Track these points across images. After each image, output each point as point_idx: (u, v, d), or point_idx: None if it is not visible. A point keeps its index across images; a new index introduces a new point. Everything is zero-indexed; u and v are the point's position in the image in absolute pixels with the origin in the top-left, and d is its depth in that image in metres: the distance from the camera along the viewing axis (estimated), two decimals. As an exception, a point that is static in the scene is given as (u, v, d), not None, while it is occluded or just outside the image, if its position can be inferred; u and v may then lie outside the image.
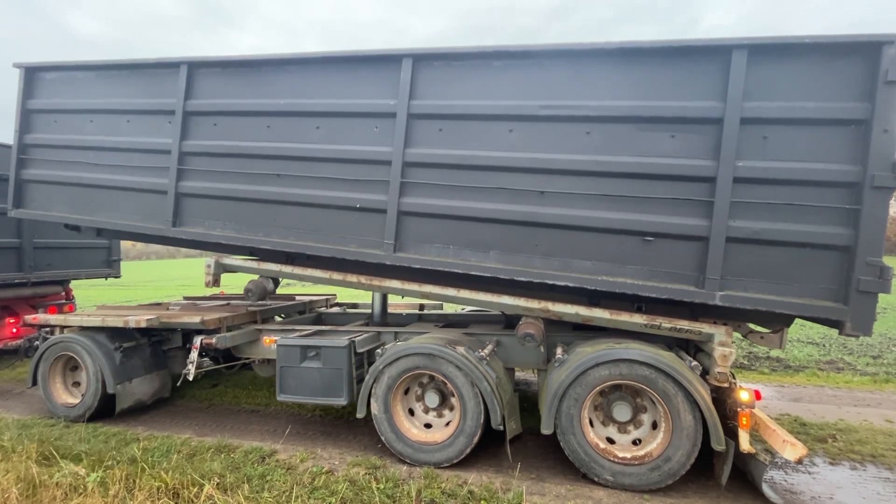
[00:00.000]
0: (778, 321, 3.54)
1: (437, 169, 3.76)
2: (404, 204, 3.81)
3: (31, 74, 4.95)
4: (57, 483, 3.28)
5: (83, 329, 5.05)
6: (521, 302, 3.76)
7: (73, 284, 8.26)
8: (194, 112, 4.40)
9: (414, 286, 4.02)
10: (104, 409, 4.87)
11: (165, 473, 3.41)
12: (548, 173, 3.50)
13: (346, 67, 3.98)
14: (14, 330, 7.31)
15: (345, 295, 7.70)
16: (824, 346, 7.78)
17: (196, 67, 4.39)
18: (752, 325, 3.71)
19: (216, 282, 4.66)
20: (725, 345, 3.29)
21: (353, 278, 4.21)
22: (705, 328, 3.39)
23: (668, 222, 3.29)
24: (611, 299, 3.67)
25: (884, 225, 2.93)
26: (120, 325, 4.79)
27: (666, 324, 3.46)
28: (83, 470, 3.52)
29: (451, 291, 3.93)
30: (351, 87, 3.96)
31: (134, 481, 3.32)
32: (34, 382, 5.03)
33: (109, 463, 3.69)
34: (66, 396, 5.05)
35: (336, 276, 4.26)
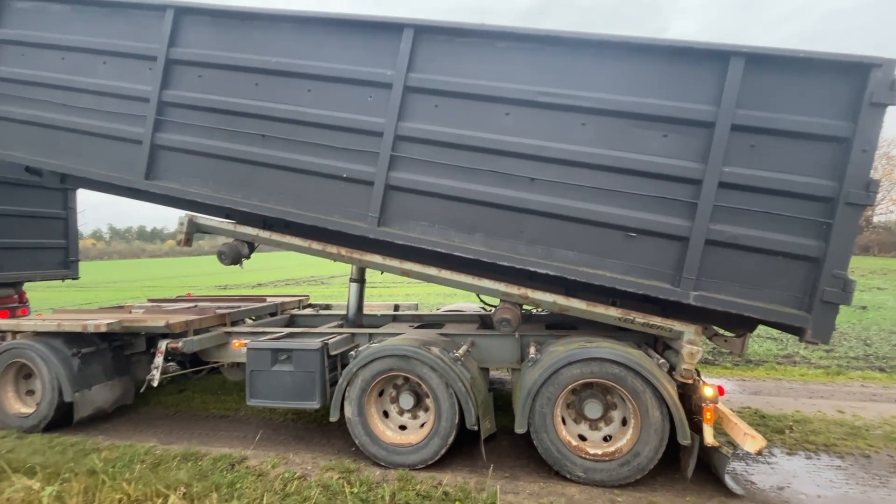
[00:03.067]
0: (743, 326, 3.67)
1: (429, 145, 3.69)
2: (392, 178, 3.73)
3: (0, 2, 4.55)
4: (8, 499, 3.10)
5: (37, 334, 4.78)
6: (502, 287, 3.76)
7: (27, 287, 7.82)
8: (178, 61, 4.16)
9: (395, 262, 3.96)
10: (61, 419, 4.63)
11: (128, 484, 3.28)
12: (540, 160, 3.49)
13: (345, 31, 3.84)
14: (-40, 336, 6.86)
15: (318, 296, 7.59)
16: (782, 340, 8.16)
17: (183, 13, 4.14)
18: (716, 329, 3.85)
19: (188, 241, 4.45)
20: (693, 343, 3.40)
21: (332, 249, 4.11)
22: (676, 325, 3.49)
23: (651, 220, 3.35)
24: (587, 292, 3.72)
25: (852, 240, 3.07)
26: (78, 329, 4.56)
27: (640, 319, 3.53)
28: (38, 484, 3.34)
29: (432, 271, 3.89)
30: (348, 53, 3.82)
31: (94, 494, 3.17)
32: (-17, 392, 4.73)
33: (67, 475, 3.51)
34: (18, 406, 4.77)
35: (315, 245, 4.14)
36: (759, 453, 3.21)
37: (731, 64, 3.15)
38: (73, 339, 4.73)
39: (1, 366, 4.70)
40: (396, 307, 5.99)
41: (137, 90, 4.23)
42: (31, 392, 4.83)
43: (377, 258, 4.01)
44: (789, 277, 3.20)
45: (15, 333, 4.92)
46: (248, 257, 4.54)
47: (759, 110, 3.16)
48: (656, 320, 3.51)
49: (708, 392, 3.31)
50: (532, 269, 3.53)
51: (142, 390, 4.79)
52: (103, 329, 4.50)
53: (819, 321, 3.12)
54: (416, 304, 6.29)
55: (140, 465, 3.74)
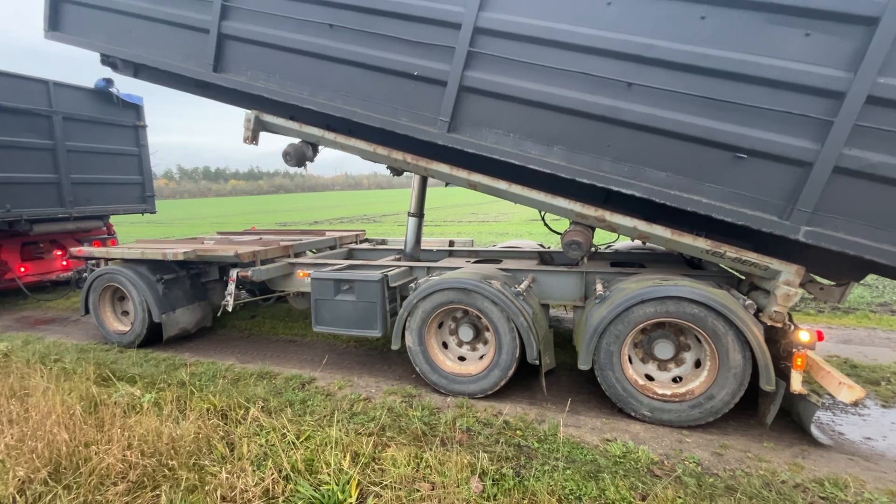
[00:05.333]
0: (849, 273, 3.17)
1: (512, 41, 3.27)
2: (468, 77, 3.40)
3: None
4: (115, 402, 3.49)
5: (126, 261, 5.21)
6: (577, 207, 3.46)
7: (112, 221, 8.52)
8: None
9: (462, 173, 3.74)
10: (152, 337, 5.13)
11: (213, 396, 3.59)
12: (641, 63, 3.01)
13: None
14: (64, 262, 7.69)
15: (371, 232, 7.67)
16: (877, 287, 7.34)
17: None
18: (812, 274, 3.37)
19: (254, 138, 4.44)
20: (791, 284, 3.02)
21: (398, 155, 3.95)
22: (774, 264, 3.08)
23: (769, 140, 2.84)
24: (667, 221, 3.36)
25: None
26: (159, 257, 4.91)
27: (731, 253, 3.14)
28: (138, 391, 3.75)
29: (501, 185, 3.63)
30: None
31: (185, 402, 3.50)
32: (86, 311, 5.31)
33: (161, 385, 3.92)
34: (117, 324, 5.33)
35: (381, 150, 3.98)
36: (855, 404, 2.91)
37: None
38: (156, 266, 5.11)
39: (99, 288, 5.21)
40: (451, 243, 5.91)
41: None
42: (125, 313, 5.35)
43: (444, 167, 3.79)
44: None
45: (107, 260, 5.40)
46: (311, 160, 4.47)
47: None
48: (751, 256, 3.11)
49: (804, 337, 2.99)
50: (615, 188, 3.16)
51: (218, 314, 5.16)
52: (181, 257, 4.80)
53: None
54: (472, 241, 6.18)
55: (222, 379, 4.09)
